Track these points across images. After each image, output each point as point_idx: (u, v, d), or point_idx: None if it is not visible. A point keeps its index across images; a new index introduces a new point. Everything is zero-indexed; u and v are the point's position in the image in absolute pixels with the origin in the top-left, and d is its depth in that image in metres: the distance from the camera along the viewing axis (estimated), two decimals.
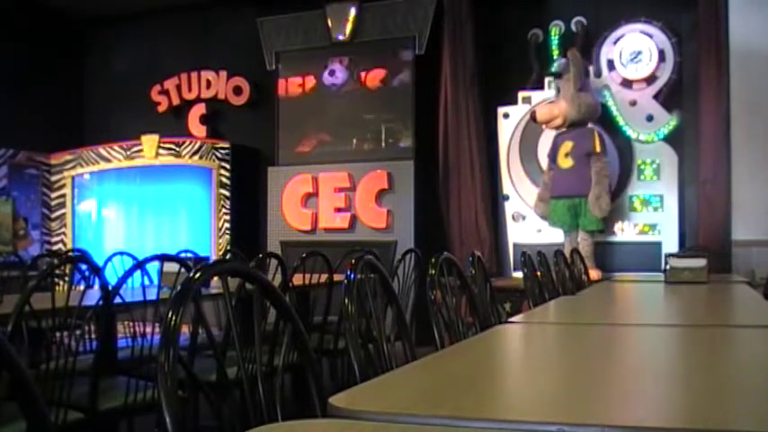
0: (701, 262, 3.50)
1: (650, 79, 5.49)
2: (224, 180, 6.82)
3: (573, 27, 5.86)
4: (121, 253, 4.43)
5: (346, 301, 1.54)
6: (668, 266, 3.51)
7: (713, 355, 1.56)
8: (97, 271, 2.67)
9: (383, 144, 6.41)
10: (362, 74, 6.49)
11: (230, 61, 7.16)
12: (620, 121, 5.49)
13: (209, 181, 6.88)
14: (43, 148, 7.35)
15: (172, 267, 2.83)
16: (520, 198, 5.80)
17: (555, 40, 5.89)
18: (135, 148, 7.10)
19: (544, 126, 5.57)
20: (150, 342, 2.67)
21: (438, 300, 2.08)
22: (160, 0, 7.20)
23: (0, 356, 0.91)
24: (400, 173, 6.20)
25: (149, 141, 7.01)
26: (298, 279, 3.53)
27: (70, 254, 5.43)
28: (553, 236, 5.49)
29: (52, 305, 2.29)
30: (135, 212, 7.32)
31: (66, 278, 2.72)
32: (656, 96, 5.49)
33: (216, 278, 1.31)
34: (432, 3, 6.22)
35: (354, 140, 6.51)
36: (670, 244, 5.34)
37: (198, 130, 7.21)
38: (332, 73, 6.57)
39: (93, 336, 2.85)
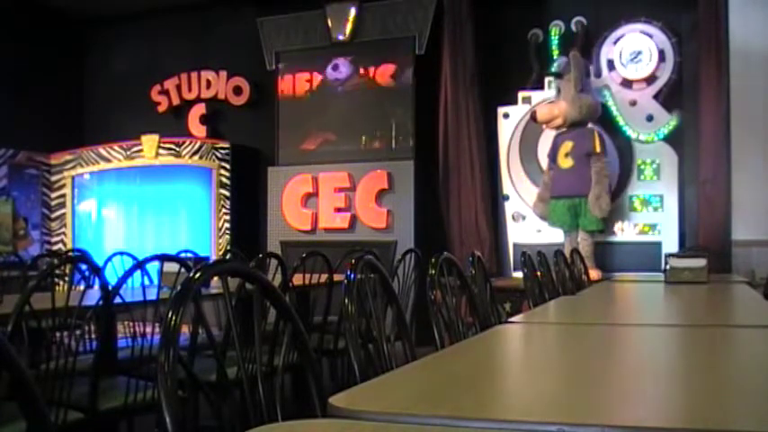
0: (701, 262, 3.50)
1: (650, 79, 5.49)
2: (224, 180, 6.82)
3: (573, 27, 5.86)
4: (121, 253, 4.43)
5: (346, 301, 1.54)
6: (668, 266, 3.51)
7: (713, 355, 1.56)
8: (97, 271, 2.67)
9: (383, 144, 6.41)
10: (362, 74, 6.49)
11: (230, 61, 7.16)
12: (620, 121, 5.49)
13: (209, 181, 6.88)
14: (43, 148, 7.35)
15: (172, 267, 2.83)
16: (520, 198, 5.80)
17: (555, 40, 5.89)
18: (135, 148, 7.10)
19: (544, 126, 5.57)
20: (150, 342, 2.67)
21: (438, 300, 2.08)
22: (160, 0, 7.20)
23: (0, 356, 0.91)
24: (400, 173, 6.20)
25: (149, 141, 7.01)
26: (298, 279, 3.53)
27: (70, 254, 5.43)
28: (553, 236, 5.49)
29: (52, 305, 2.29)
30: (135, 212, 7.32)
31: (66, 278, 2.72)
32: (656, 96, 5.49)
33: (216, 278, 1.31)
34: (432, 3, 6.21)
35: (354, 140, 6.50)
36: (670, 244, 5.34)
37: (198, 130, 7.21)
38: (335, 68, 6.56)
39: (93, 336, 2.85)
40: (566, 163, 5.33)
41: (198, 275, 1.20)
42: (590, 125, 5.37)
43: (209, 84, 7.22)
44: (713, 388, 1.16)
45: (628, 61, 5.54)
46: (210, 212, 6.86)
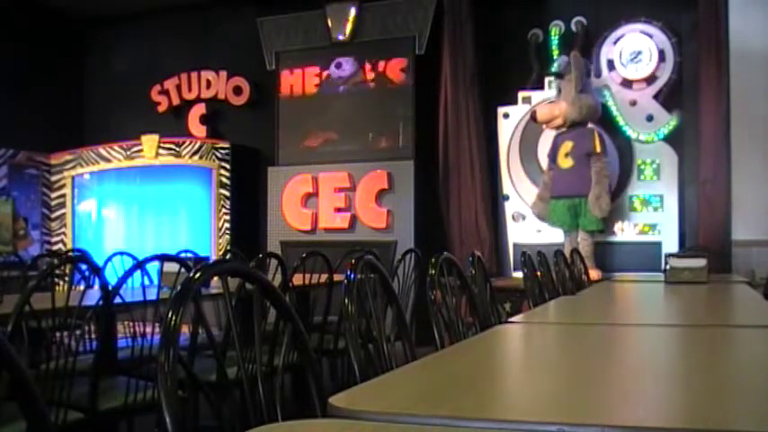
0: (701, 262, 3.50)
1: (650, 79, 5.49)
2: (224, 180, 6.82)
3: (573, 27, 5.86)
4: (121, 253, 4.43)
5: (346, 301, 1.54)
6: (668, 266, 3.51)
7: (713, 355, 1.56)
8: (97, 271, 2.67)
9: (383, 144, 6.41)
10: (362, 74, 6.49)
11: (230, 61, 7.16)
12: (620, 121, 5.49)
13: (209, 181, 6.88)
14: (43, 148, 7.35)
15: (172, 267, 2.83)
16: (520, 198, 5.80)
17: (555, 40, 5.89)
18: (135, 148, 7.10)
19: (544, 126, 5.57)
20: (150, 342, 2.67)
21: (438, 300, 2.08)
22: (160, 0, 7.20)
23: (0, 356, 0.91)
24: (400, 173, 6.20)
25: (149, 141, 7.01)
26: (298, 279, 3.53)
27: (70, 254, 5.43)
28: (553, 236, 5.49)
29: (52, 305, 2.29)
30: (135, 212, 7.32)
31: (66, 278, 2.72)
32: (656, 96, 5.49)
33: (216, 278, 1.31)
34: (432, 3, 6.21)
35: (355, 140, 6.50)
36: (670, 244, 5.34)
37: (198, 130, 7.21)
38: (339, 65, 6.56)
39: (93, 336, 2.85)
40: (566, 163, 5.33)
41: (198, 275, 1.20)
42: (590, 125, 5.37)
43: (209, 84, 7.22)
44: (713, 388, 1.16)
45: (628, 61, 5.54)
46: (210, 212, 6.86)
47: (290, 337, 1.36)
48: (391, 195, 6.23)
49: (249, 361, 1.67)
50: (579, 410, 1.02)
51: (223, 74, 7.16)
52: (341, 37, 6.52)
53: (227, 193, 6.81)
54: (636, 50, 5.51)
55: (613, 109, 5.51)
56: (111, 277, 3.37)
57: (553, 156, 5.44)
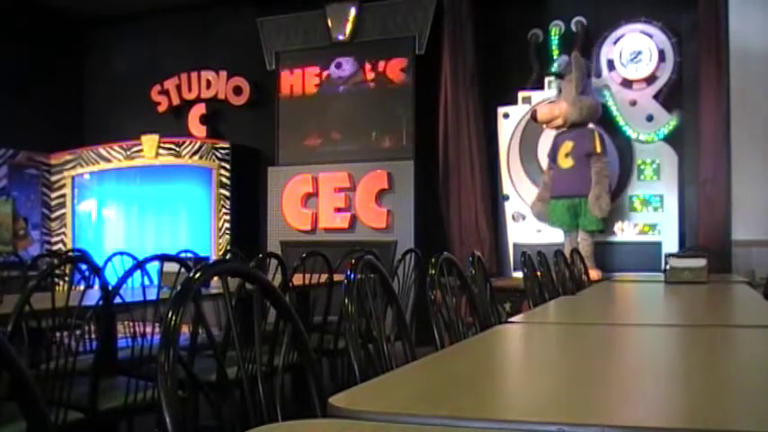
0: (701, 262, 3.50)
1: (650, 79, 5.49)
2: (224, 180, 6.82)
3: (573, 27, 5.86)
4: (121, 253, 4.43)
5: (346, 301, 1.54)
6: (668, 266, 3.51)
7: (713, 355, 1.56)
8: (97, 271, 2.67)
9: (383, 144, 6.41)
10: (362, 74, 6.49)
11: (230, 61, 7.16)
12: (620, 121, 5.49)
13: (209, 181, 6.88)
14: (43, 148, 7.35)
15: (172, 267, 2.83)
16: (520, 198, 5.80)
17: (555, 40, 5.89)
18: (135, 148, 7.10)
19: (544, 126, 5.57)
20: (150, 342, 2.67)
21: (438, 300, 2.08)
22: (160, 0, 7.20)
23: (0, 356, 0.91)
24: (400, 173, 6.20)
25: (149, 141, 7.01)
26: (298, 279, 3.53)
27: (70, 254, 5.43)
28: (553, 236, 5.49)
29: (52, 305, 2.29)
30: (135, 212, 7.32)
31: (66, 278, 2.72)
32: (656, 96, 5.49)
33: (216, 278, 1.31)
34: (432, 3, 6.21)
35: (355, 140, 6.50)
36: (670, 244, 5.34)
37: (198, 130, 7.21)
38: (339, 65, 6.56)
39: (93, 336, 2.85)
40: (566, 163, 5.33)
41: (198, 275, 1.20)
42: (590, 125, 5.37)
43: (209, 84, 7.22)
44: (713, 388, 1.16)
45: (628, 61, 5.54)
46: (210, 212, 6.86)
47: (290, 337, 1.36)
48: (391, 195, 6.23)
49: (249, 361, 1.67)
50: (579, 410, 1.02)
51: (223, 74, 7.16)
52: (341, 37, 6.52)
53: (227, 193, 6.81)
54: (636, 50, 5.51)
55: (613, 109, 5.51)
56: (111, 277, 3.37)
57: (553, 156, 5.44)
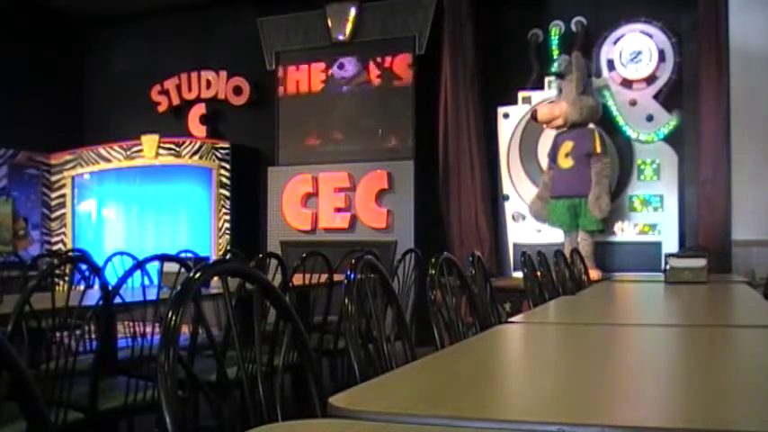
0: (701, 262, 3.50)
1: (650, 79, 5.49)
2: (224, 180, 6.82)
3: (573, 27, 5.86)
4: (121, 253, 4.43)
5: (346, 301, 1.54)
6: (668, 266, 3.51)
7: (713, 355, 1.56)
8: (97, 271, 2.67)
9: (383, 144, 6.41)
10: (363, 74, 6.49)
11: (230, 61, 7.16)
12: (620, 121, 5.49)
13: (209, 181, 6.88)
14: (43, 148, 7.35)
15: (172, 267, 2.83)
16: (520, 198, 5.80)
17: (555, 40, 5.89)
18: (135, 148, 7.10)
19: (544, 126, 5.56)
20: (150, 342, 2.67)
21: (438, 300, 2.08)
22: (160, 0, 7.20)
23: (0, 356, 0.91)
24: (400, 173, 6.20)
25: (149, 141, 7.01)
26: (298, 279, 3.53)
27: (70, 254, 5.43)
28: (553, 236, 5.49)
29: (52, 305, 2.29)
30: (135, 212, 7.32)
31: (66, 278, 2.72)
32: (656, 96, 5.49)
33: (216, 278, 1.31)
34: (432, 3, 6.21)
35: (355, 140, 6.50)
36: (670, 244, 5.34)
37: (198, 130, 7.21)
38: (341, 66, 6.55)
39: (93, 336, 2.85)
40: (566, 163, 5.33)
41: (198, 275, 1.20)
42: (590, 125, 5.37)
43: (209, 84, 7.22)
44: (713, 388, 1.16)
45: (628, 61, 5.54)
46: (210, 212, 6.86)
47: (290, 337, 1.36)
48: (391, 195, 6.23)
49: (249, 361, 1.67)
50: (579, 410, 1.02)
51: (223, 74, 7.17)
52: (341, 37, 6.52)
53: (227, 193, 6.81)
54: (636, 50, 5.51)
55: (613, 109, 5.51)
56: (111, 277, 3.37)
57: (553, 156, 5.44)
